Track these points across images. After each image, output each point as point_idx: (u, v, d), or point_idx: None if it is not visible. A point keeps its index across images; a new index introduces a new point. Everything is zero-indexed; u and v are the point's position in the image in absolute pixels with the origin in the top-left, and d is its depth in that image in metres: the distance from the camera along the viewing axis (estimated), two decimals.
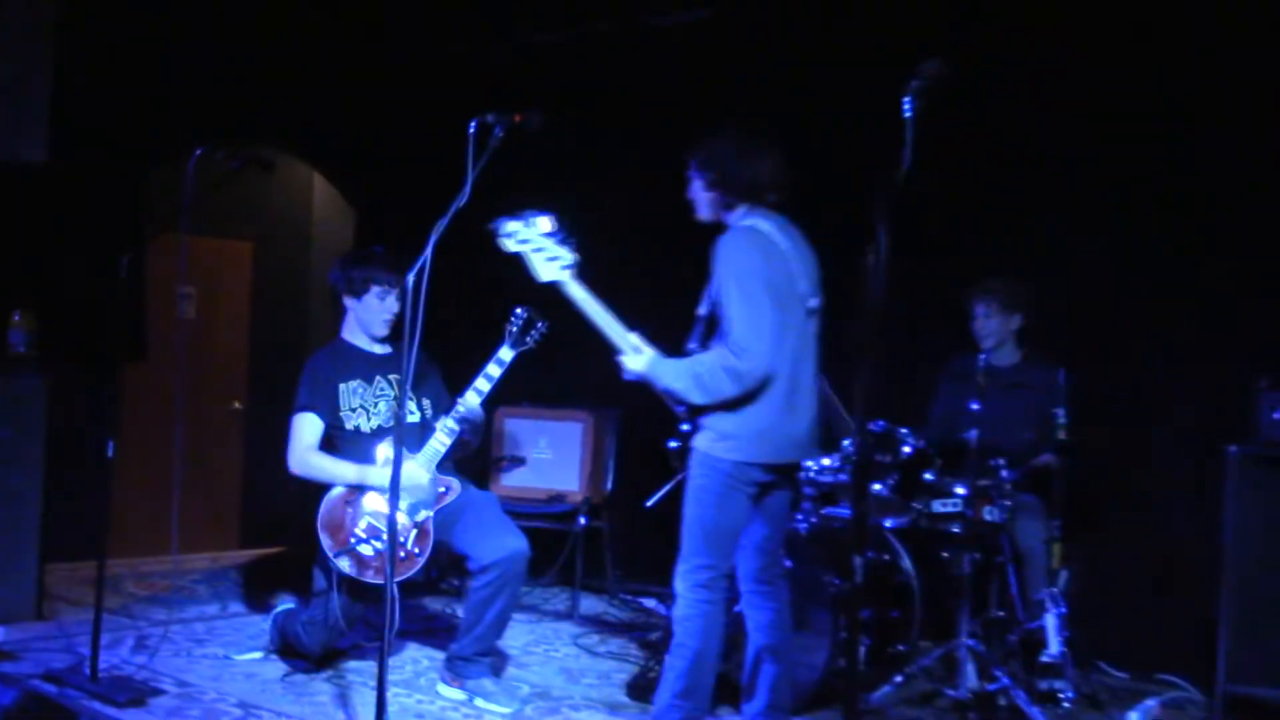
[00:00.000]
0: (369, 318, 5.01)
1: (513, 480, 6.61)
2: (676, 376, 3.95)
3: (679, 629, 3.99)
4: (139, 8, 6.48)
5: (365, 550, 4.76)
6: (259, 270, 7.97)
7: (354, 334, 5.09)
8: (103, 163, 6.51)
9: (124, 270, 4.86)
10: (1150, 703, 4.92)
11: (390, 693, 4.22)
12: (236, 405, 7.79)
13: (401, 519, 4.72)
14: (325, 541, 4.79)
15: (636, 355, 4.08)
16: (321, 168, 7.90)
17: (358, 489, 4.82)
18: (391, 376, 5.01)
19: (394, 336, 5.02)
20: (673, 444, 4.31)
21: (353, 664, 5.19)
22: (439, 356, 5.12)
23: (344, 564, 4.74)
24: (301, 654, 5.06)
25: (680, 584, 4.00)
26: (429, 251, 3.82)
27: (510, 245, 4.16)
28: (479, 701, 4.74)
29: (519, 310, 4.83)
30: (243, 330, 7.89)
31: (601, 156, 6.83)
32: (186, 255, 5.35)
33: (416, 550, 4.78)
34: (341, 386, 4.97)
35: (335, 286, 5.07)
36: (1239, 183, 5.24)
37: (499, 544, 4.75)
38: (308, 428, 4.92)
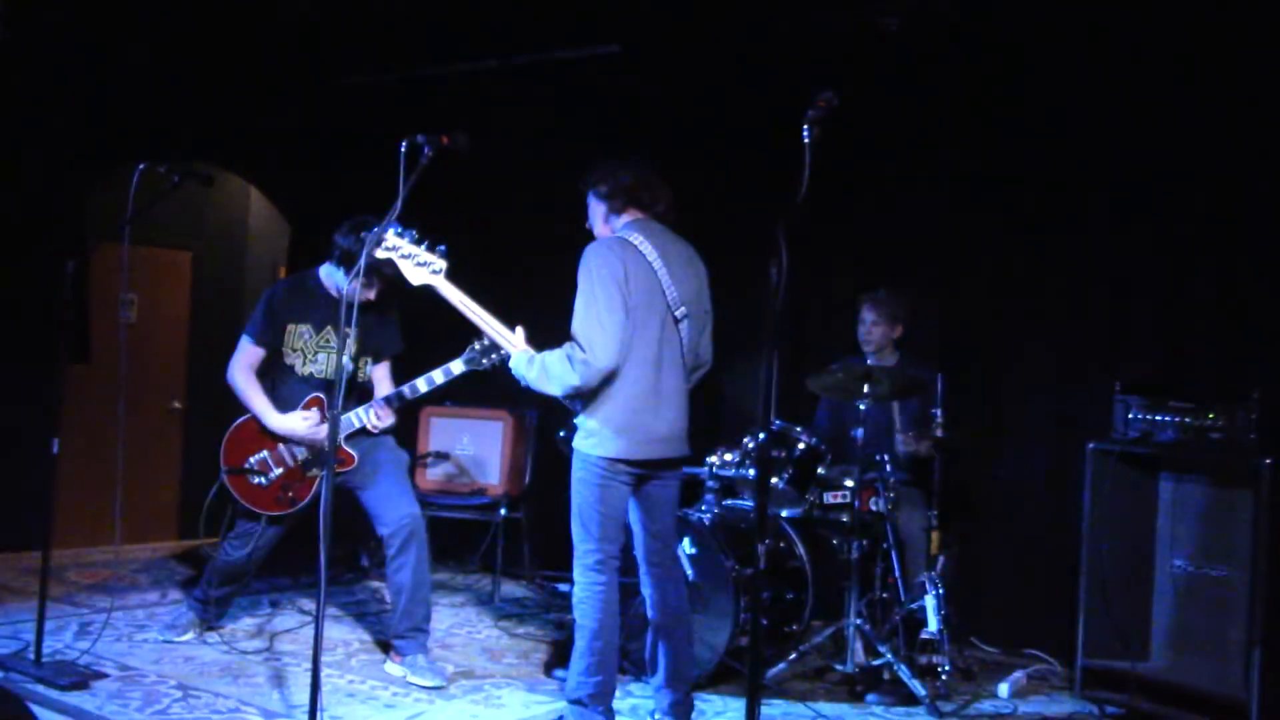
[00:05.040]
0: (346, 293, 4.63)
1: (438, 475, 6.55)
2: (530, 367, 3.97)
3: (577, 612, 4.00)
4: (85, 29, 6.31)
5: (252, 479, 4.86)
6: (198, 278, 7.81)
7: (330, 276, 4.88)
8: (49, 176, 6.34)
9: (69, 276, 4.73)
10: (1018, 674, 4.99)
11: (323, 673, 4.15)
12: (176, 405, 7.63)
13: (291, 463, 4.88)
14: (222, 456, 4.89)
15: (512, 349, 4.09)
16: (258, 183, 7.77)
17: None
18: (345, 330, 4.83)
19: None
20: (561, 434, 4.29)
21: (287, 647, 5.09)
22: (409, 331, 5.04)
23: (230, 482, 4.85)
24: (220, 580, 5.08)
25: (575, 570, 4.02)
26: (362, 262, 3.78)
27: (379, 252, 4.09)
28: (410, 677, 4.68)
29: None
30: (182, 334, 7.72)
31: (519, 176, 6.81)
32: (129, 264, 5.21)
33: (292, 495, 4.84)
34: (290, 326, 4.86)
35: (338, 247, 4.74)
36: (1094, 209, 5.35)
37: (397, 510, 4.76)
38: (249, 353, 4.91)
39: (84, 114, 6.37)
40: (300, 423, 4.81)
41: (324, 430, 4.76)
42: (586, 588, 3.98)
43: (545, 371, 3.92)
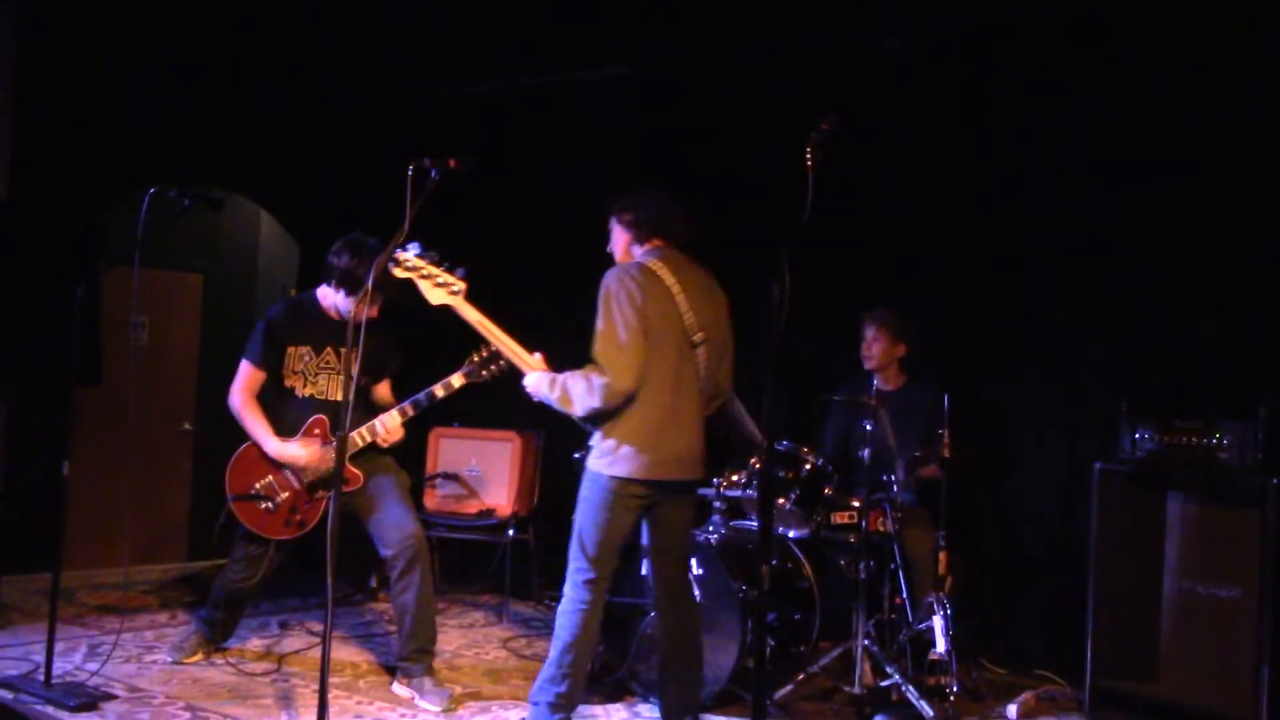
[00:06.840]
0: (347, 312, 4.77)
1: (446, 495, 6.56)
2: (551, 388, 4.00)
3: (558, 621, 4.04)
4: (97, 55, 6.37)
5: (259, 505, 4.85)
6: (209, 300, 7.84)
7: (326, 297, 4.90)
8: (61, 200, 6.37)
9: (79, 299, 4.76)
10: (1026, 695, 4.96)
11: (330, 695, 4.16)
12: (186, 426, 7.65)
13: (296, 486, 4.86)
14: (227, 483, 4.87)
15: (530, 372, 4.11)
16: (268, 205, 7.81)
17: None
18: (343, 349, 4.81)
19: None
20: (577, 455, 4.32)
21: (294, 668, 5.09)
22: (408, 350, 5.05)
23: (237, 509, 4.84)
24: (225, 603, 5.07)
25: (566, 584, 4.05)
26: (369, 283, 3.81)
27: (399, 272, 4.12)
28: (418, 699, 4.69)
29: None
30: (193, 356, 7.75)
31: (528, 197, 6.84)
32: (139, 286, 5.24)
33: (300, 519, 4.84)
34: (291, 349, 4.88)
35: (333, 267, 4.79)
36: (1099, 227, 5.35)
37: (400, 532, 4.76)
38: (250, 377, 4.90)
39: (95, 138, 6.42)
40: (299, 450, 4.82)
41: (325, 455, 4.78)
42: (571, 602, 4.03)
43: (567, 393, 3.95)
